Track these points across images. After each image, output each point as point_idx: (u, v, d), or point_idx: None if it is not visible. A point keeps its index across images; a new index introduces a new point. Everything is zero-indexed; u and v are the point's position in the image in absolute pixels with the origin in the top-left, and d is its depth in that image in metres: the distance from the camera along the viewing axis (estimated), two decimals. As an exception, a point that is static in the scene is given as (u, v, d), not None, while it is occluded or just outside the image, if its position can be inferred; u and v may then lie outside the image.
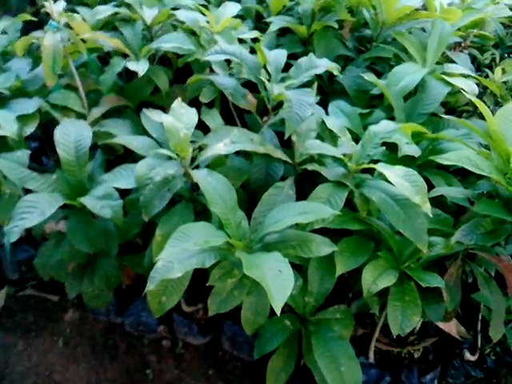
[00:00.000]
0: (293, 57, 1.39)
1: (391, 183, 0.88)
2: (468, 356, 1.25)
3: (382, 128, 1.02)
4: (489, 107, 1.38)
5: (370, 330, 1.21)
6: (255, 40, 1.35)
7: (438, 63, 1.41)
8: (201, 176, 0.90)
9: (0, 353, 1.26)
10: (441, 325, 1.21)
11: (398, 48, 1.41)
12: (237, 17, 1.49)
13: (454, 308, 1.02)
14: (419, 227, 0.91)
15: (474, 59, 1.73)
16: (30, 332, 1.32)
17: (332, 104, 1.28)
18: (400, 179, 0.89)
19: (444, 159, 0.91)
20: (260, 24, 1.64)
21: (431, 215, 0.86)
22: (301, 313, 1.02)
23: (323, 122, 1.06)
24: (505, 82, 1.51)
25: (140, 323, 1.28)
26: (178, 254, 0.83)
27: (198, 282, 1.01)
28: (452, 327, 1.24)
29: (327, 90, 1.51)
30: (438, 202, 1.06)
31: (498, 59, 1.68)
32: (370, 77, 1.27)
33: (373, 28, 1.49)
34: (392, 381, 1.18)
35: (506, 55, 1.75)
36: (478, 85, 1.28)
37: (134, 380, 1.24)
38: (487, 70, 1.51)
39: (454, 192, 1.01)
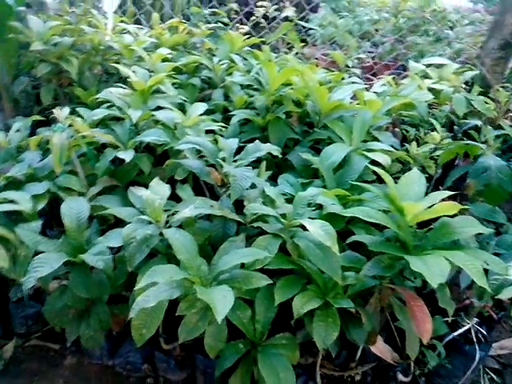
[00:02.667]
0: (253, 140, 1.80)
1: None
2: (401, 378, 1.52)
3: (308, 193, 1.39)
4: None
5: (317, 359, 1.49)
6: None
7: (365, 141, 1.82)
8: (170, 233, 1.25)
9: (8, 395, 1.53)
10: (377, 352, 1.51)
11: (331, 131, 1.83)
12: (208, 111, 1.93)
13: (370, 329, 1.32)
14: (334, 265, 1.25)
15: (403, 136, 2.16)
16: (35, 376, 1.58)
17: (280, 177, 1.67)
18: (317, 229, 1.23)
19: (347, 213, 1.27)
20: (227, 115, 2.07)
21: (338, 253, 1.20)
22: (252, 338, 1.32)
23: (263, 191, 1.42)
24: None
25: (128, 363, 1.56)
26: (153, 290, 1.16)
27: (174, 326, 1.31)
28: (387, 354, 1.53)
29: (281, 165, 1.90)
30: (356, 247, 1.41)
31: (422, 134, 2.10)
32: (306, 155, 1.67)
33: (313, 117, 1.92)
34: (336, 400, 1.45)
35: (428, 131, 2.17)
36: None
37: (122, 413, 1.49)
38: (407, 145, 1.92)
39: (364, 238, 1.35)
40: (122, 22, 2.53)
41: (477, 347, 1.54)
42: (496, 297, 1.30)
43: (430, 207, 1.27)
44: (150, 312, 1.26)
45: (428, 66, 2.55)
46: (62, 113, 1.57)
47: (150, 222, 1.34)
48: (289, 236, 1.33)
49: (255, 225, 1.38)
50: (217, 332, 1.28)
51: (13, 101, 2.29)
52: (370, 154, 1.65)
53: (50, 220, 1.74)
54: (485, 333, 1.59)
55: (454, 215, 1.28)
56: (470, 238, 1.40)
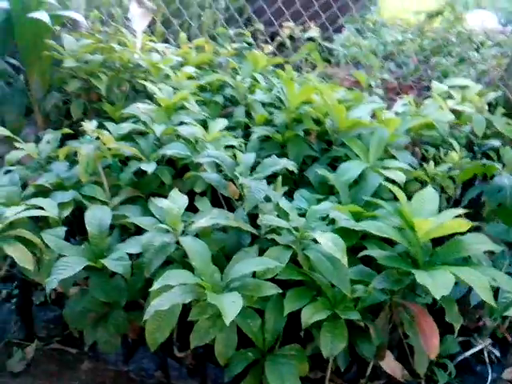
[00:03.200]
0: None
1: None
2: (411, 397, 1.54)
3: (321, 207, 1.45)
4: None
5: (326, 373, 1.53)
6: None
7: (381, 159, 1.87)
8: (186, 241, 1.33)
9: (28, 394, 1.61)
10: (387, 369, 1.54)
11: (349, 149, 1.89)
12: (229, 127, 2.03)
13: (379, 344, 1.36)
14: (343, 277, 1.30)
15: (423, 155, 2.20)
16: (52, 377, 1.66)
17: (296, 192, 1.73)
18: (328, 242, 1.29)
19: (358, 226, 1.33)
20: (247, 132, 2.16)
21: (347, 266, 1.25)
22: (261, 346, 1.37)
23: (277, 204, 1.49)
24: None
25: (141, 369, 1.63)
26: (167, 294, 1.23)
27: (187, 334, 1.37)
28: (397, 371, 1.56)
29: (299, 182, 1.96)
30: (369, 263, 1.46)
31: (442, 154, 2.13)
32: (322, 171, 1.73)
33: (331, 134, 1.99)
34: (345, 414, 1.48)
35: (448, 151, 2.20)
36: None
37: (134, 417, 1.56)
38: (425, 164, 1.95)
39: (375, 253, 1.39)
40: (150, 40, 2.68)
41: (489, 368, 1.55)
42: (504, 314, 1.32)
43: (441, 224, 1.31)
44: (163, 317, 1.33)
45: (452, 87, 2.59)
46: (90, 125, 1.68)
47: (168, 231, 1.43)
48: (300, 248, 1.39)
49: (269, 237, 1.45)
50: (227, 339, 1.34)
51: (44, 114, 2.44)
52: (385, 172, 1.70)
53: (74, 229, 1.84)
54: (498, 354, 1.59)
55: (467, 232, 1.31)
56: (481, 256, 1.43)
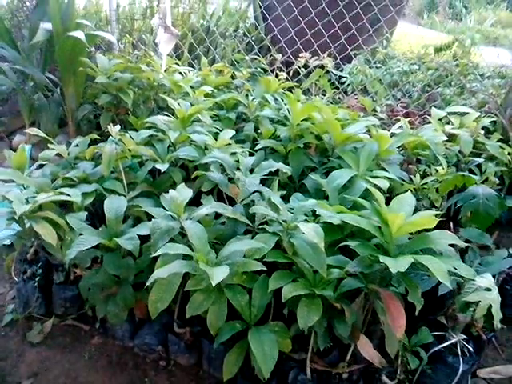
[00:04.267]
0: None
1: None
2: (386, 380, 1.69)
3: (307, 203, 1.67)
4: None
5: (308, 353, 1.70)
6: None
7: (371, 170, 2.07)
8: (187, 223, 1.55)
9: (43, 362, 1.83)
10: (366, 356, 1.69)
11: (343, 161, 2.10)
12: (239, 140, 2.29)
13: (354, 324, 1.53)
14: (321, 261, 1.50)
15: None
16: (66, 349, 1.88)
17: (292, 195, 1.95)
18: (309, 230, 1.49)
19: (338, 218, 1.53)
20: (255, 144, 2.40)
21: (323, 248, 1.45)
22: (247, 320, 1.56)
23: (269, 199, 1.71)
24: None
25: (145, 344, 1.83)
26: (167, 266, 1.45)
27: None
28: (375, 358, 1.71)
29: (298, 189, 2.18)
30: (349, 252, 1.64)
31: (433, 170, 2.31)
32: (316, 177, 1.95)
33: (328, 148, 2.22)
34: (323, 392, 1.65)
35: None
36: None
37: (135, 386, 1.75)
38: (413, 177, 2.15)
39: (352, 243, 1.58)
40: (175, 63, 2.99)
41: (460, 360, 1.69)
42: (463, 299, 1.48)
43: (412, 220, 1.50)
44: (164, 288, 1.54)
45: (452, 113, 2.80)
46: (114, 129, 1.95)
47: (173, 218, 1.65)
48: (286, 237, 1.60)
49: (260, 227, 1.66)
50: (218, 311, 1.53)
51: (77, 124, 2.75)
52: (372, 180, 1.90)
53: (95, 221, 2.08)
54: (471, 349, 1.73)
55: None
56: (451, 251, 1.60)
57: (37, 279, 1.97)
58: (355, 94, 3.28)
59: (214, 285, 1.28)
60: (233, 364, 1.56)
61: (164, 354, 1.85)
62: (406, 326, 1.67)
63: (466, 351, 1.73)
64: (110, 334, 1.92)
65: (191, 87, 2.68)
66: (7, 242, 2.24)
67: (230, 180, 1.94)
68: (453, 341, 1.72)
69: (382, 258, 1.36)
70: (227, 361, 1.56)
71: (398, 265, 1.31)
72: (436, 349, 1.71)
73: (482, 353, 1.88)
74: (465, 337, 1.74)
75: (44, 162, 2.03)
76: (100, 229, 1.75)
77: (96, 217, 2.06)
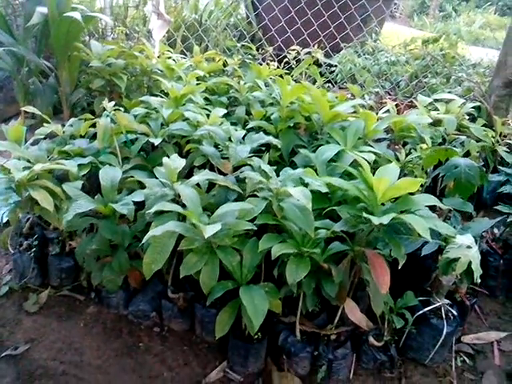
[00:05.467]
0: (266, 145, 2.19)
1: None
2: (373, 341, 1.77)
3: (295, 172, 1.75)
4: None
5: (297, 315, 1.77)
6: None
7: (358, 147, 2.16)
8: (180, 187, 1.62)
9: (39, 329, 1.88)
10: (353, 319, 1.77)
11: (331, 138, 2.18)
12: (231, 123, 2.36)
13: (340, 283, 1.61)
14: (309, 222, 1.57)
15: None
16: (61, 318, 1.93)
17: (282, 171, 2.03)
18: (298, 193, 1.57)
19: (323, 181, 1.61)
20: (247, 127, 2.48)
21: (310, 208, 1.53)
22: (238, 279, 1.63)
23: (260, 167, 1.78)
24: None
25: (139, 311, 1.90)
26: (161, 226, 1.51)
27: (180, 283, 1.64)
28: (362, 321, 1.79)
29: (287, 165, 2.26)
30: (333, 215, 1.72)
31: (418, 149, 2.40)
32: (305, 152, 2.03)
33: (317, 127, 2.30)
34: (312, 351, 1.72)
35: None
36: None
37: (130, 350, 1.81)
38: (398, 154, 2.24)
39: (338, 208, 1.66)
40: (168, 51, 3.07)
41: (444, 322, 1.77)
42: (445, 256, 1.57)
43: (396, 184, 1.59)
44: (158, 250, 1.61)
45: (438, 100, 2.90)
46: (108, 104, 2.02)
47: (167, 184, 1.72)
48: (276, 201, 1.67)
49: (251, 194, 1.74)
50: (211, 271, 1.60)
51: (71, 109, 2.81)
52: (357, 153, 1.99)
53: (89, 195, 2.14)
54: (455, 313, 1.81)
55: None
56: (433, 215, 1.68)
57: (32, 251, 2.02)
58: (344, 83, 3.38)
59: (206, 237, 1.36)
60: (225, 322, 1.63)
61: (158, 321, 1.91)
62: (393, 294, 1.77)
63: (450, 315, 1.82)
64: (104, 303, 1.98)
65: (183, 72, 2.76)
66: (4, 219, 2.30)
67: (223, 156, 2.02)
68: (437, 305, 1.80)
69: (366, 215, 1.44)
70: (219, 319, 1.63)
71: (380, 219, 1.40)
72: (421, 312, 1.80)
73: (466, 317, 1.97)
74: (449, 302, 1.82)
75: (40, 137, 2.09)
76: (96, 197, 1.81)
77: (91, 192, 2.12)
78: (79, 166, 1.90)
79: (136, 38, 3.18)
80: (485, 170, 2.39)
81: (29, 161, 1.88)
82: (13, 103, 3.25)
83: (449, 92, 3.12)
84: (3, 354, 1.75)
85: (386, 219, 1.39)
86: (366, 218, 1.49)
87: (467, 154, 2.27)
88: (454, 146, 2.31)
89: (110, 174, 1.82)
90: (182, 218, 1.69)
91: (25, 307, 1.97)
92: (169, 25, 2.92)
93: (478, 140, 2.53)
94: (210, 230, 1.40)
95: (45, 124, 2.20)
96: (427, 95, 3.18)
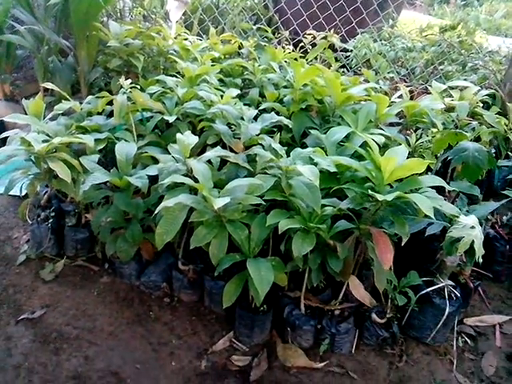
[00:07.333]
0: (280, 127, 2.23)
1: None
2: (375, 318, 1.82)
3: (304, 151, 1.79)
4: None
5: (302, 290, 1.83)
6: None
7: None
8: (192, 162, 1.68)
9: (54, 296, 1.97)
10: (357, 296, 1.82)
11: (343, 120, 2.22)
12: (244, 104, 2.41)
13: (345, 259, 1.66)
14: (316, 199, 1.62)
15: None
16: (76, 286, 2.02)
17: (292, 151, 2.08)
18: (307, 170, 1.62)
19: (331, 160, 1.66)
20: (260, 109, 2.52)
21: (318, 186, 1.57)
22: (246, 252, 1.69)
23: (270, 145, 1.83)
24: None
25: (150, 281, 1.98)
26: (173, 197, 1.58)
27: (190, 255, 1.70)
28: (366, 299, 1.85)
29: (298, 146, 2.30)
30: (341, 195, 1.77)
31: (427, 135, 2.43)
32: (315, 133, 2.07)
33: (329, 109, 2.34)
34: (316, 324, 1.78)
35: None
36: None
37: (141, 319, 1.89)
38: (408, 138, 2.27)
39: (344, 186, 1.70)
40: (184, 32, 3.12)
41: (447, 302, 1.81)
42: (448, 235, 1.61)
43: (403, 164, 1.62)
44: (170, 222, 1.67)
45: (453, 88, 2.91)
46: (125, 81, 2.08)
47: (180, 160, 1.79)
48: (285, 179, 1.72)
49: (261, 172, 1.79)
50: (219, 244, 1.67)
51: (89, 87, 2.88)
52: (368, 135, 2.02)
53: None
54: (458, 294, 1.85)
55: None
56: (439, 196, 1.71)
57: (50, 222, 2.11)
58: (359, 68, 3.40)
59: (215, 208, 1.42)
60: (232, 293, 1.70)
61: (168, 291, 1.99)
62: (397, 275, 1.82)
63: (453, 296, 1.86)
64: (117, 274, 2.07)
65: (199, 53, 2.81)
66: (23, 192, 2.38)
67: (235, 136, 2.07)
68: (440, 285, 1.85)
69: (372, 193, 1.48)
70: (227, 290, 1.70)
71: (385, 196, 1.44)
72: (424, 292, 1.84)
73: (469, 299, 2.01)
74: (452, 283, 1.86)
75: (59, 112, 2.16)
76: (112, 170, 1.88)
77: (107, 166, 2.20)
78: (96, 140, 1.97)
79: (153, 20, 3.22)
80: (497, 157, 2.42)
81: (48, 135, 1.96)
82: (32, 81, 3.34)
83: (464, 79, 3.12)
84: (21, 318, 1.84)
85: (390, 196, 1.44)
86: (371, 196, 1.54)
87: (478, 140, 2.28)
88: (465, 132, 2.33)
89: (125, 149, 1.89)
90: (193, 191, 1.75)
91: (41, 275, 2.06)
92: (186, 6, 2.96)
93: (490, 127, 2.54)
94: (219, 202, 1.46)
95: (63, 100, 2.28)
96: (442, 82, 3.19)
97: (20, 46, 3.11)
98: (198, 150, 2.08)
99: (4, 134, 2.00)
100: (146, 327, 1.86)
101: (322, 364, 1.76)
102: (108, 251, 1.95)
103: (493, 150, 2.47)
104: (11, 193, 2.07)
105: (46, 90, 2.88)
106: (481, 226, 1.70)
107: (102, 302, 1.96)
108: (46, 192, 2.19)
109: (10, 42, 2.97)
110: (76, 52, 2.81)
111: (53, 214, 2.13)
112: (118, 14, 3.40)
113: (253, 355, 1.77)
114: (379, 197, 1.44)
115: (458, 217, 1.60)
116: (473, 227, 1.60)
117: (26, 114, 2.08)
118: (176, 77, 2.52)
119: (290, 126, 2.06)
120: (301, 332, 1.78)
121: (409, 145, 2.23)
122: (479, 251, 1.57)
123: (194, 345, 1.80)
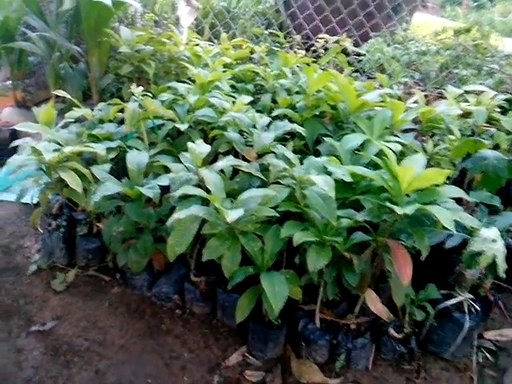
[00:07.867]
0: (293, 134, 2.19)
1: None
2: (393, 332, 1.76)
3: (318, 160, 1.74)
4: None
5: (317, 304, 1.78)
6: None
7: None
8: (204, 172, 1.65)
9: (65, 307, 1.94)
10: (374, 310, 1.77)
11: (357, 127, 2.17)
12: (257, 110, 2.37)
13: (362, 273, 1.61)
14: (331, 210, 1.57)
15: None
16: (87, 297, 2.00)
17: (305, 159, 2.03)
18: (321, 180, 1.57)
19: (346, 169, 1.61)
20: (272, 115, 2.48)
21: (333, 196, 1.52)
22: (260, 265, 1.65)
23: (283, 154, 1.79)
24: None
25: (162, 293, 1.94)
26: (185, 209, 1.54)
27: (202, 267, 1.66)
28: (383, 313, 1.79)
29: (311, 154, 2.26)
30: (356, 206, 1.72)
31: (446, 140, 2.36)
32: (329, 140, 2.02)
33: (343, 116, 2.29)
34: (331, 339, 1.73)
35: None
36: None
37: (152, 331, 1.85)
38: (425, 145, 2.21)
39: (361, 197, 1.65)
40: (196, 38, 3.09)
41: (467, 316, 1.75)
42: (469, 249, 1.55)
43: (421, 175, 1.57)
44: (182, 233, 1.63)
45: (469, 92, 2.84)
46: (137, 89, 2.05)
47: (191, 169, 1.75)
48: (299, 189, 1.68)
49: (274, 181, 1.75)
50: (232, 256, 1.62)
51: (100, 94, 2.86)
52: (383, 143, 1.97)
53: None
54: (478, 308, 1.79)
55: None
56: (457, 207, 1.65)
57: (61, 231, 2.09)
58: (372, 72, 3.34)
59: (229, 221, 1.37)
60: (245, 307, 1.65)
61: (180, 303, 1.96)
62: (415, 287, 1.76)
63: (472, 310, 1.79)
64: (129, 284, 2.04)
65: (210, 59, 2.77)
66: (34, 200, 2.36)
67: (247, 144, 2.03)
68: (459, 299, 1.78)
69: (389, 205, 1.43)
70: (240, 304, 1.66)
71: (404, 209, 1.39)
72: (443, 306, 1.78)
73: (489, 313, 1.94)
74: (472, 296, 1.80)
75: (70, 120, 2.13)
76: (123, 180, 1.85)
77: (119, 175, 2.17)
78: (107, 149, 1.94)
79: (164, 25, 3.20)
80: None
81: (59, 143, 1.94)
82: (44, 88, 3.33)
83: (480, 84, 3.04)
84: (32, 329, 1.81)
85: (409, 209, 1.39)
86: (389, 208, 1.48)
87: (496, 147, 2.22)
88: (483, 139, 2.26)
89: (136, 158, 1.86)
90: (205, 202, 1.71)
91: (52, 286, 2.04)
92: (197, 11, 2.93)
93: (509, 133, 2.47)
94: (232, 215, 1.41)
95: (74, 108, 2.25)
96: (457, 87, 3.12)
97: (32, 53, 3.09)
98: (210, 159, 2.05)
99: (15, 143, 1.98)
100: (158, 340, 1.82)
101: (338, 380, 1.71)
102: (119, 262, 1.92)
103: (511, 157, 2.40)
104: (23, 201, 2.06)
105: (57, 96, 2.87)
106: (502, 238, 1.64)
107: (113, 314, 1.93)
108: (58, 200, 2.17)
109: (21, 48, 2.96)
110: (87, 58, 2.79)
111: (64, 223, 2.10)
112: (130, 20, 3.38)
113: (266, 370, 1.73)
114: (398, 210, 1.38)
115: (478, 230, 1.54)
116: (494, 240, 1.54)
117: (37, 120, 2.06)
118: (187, 83, 2.49)
119: (303, 134, 2.00)
120: (316, 347, 1.73)
121: (425, 152, 2.16)
122: (502, 266, 1.51)
123: (206, 359, 1.76)
